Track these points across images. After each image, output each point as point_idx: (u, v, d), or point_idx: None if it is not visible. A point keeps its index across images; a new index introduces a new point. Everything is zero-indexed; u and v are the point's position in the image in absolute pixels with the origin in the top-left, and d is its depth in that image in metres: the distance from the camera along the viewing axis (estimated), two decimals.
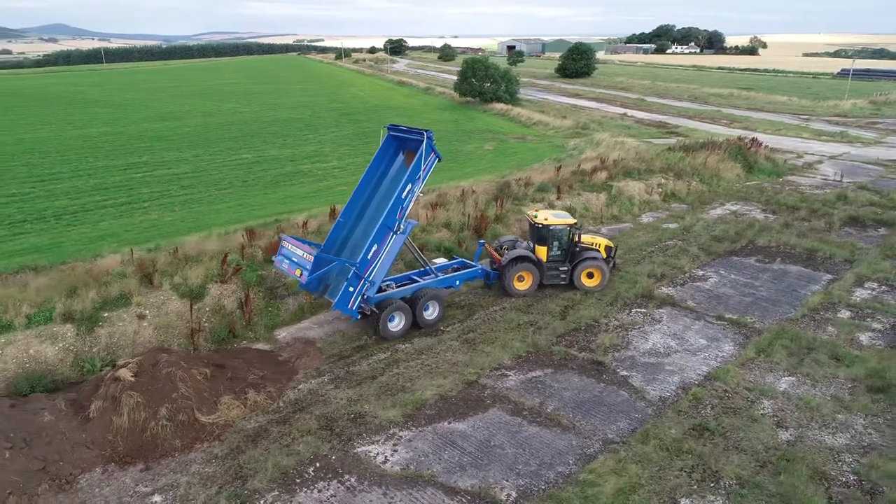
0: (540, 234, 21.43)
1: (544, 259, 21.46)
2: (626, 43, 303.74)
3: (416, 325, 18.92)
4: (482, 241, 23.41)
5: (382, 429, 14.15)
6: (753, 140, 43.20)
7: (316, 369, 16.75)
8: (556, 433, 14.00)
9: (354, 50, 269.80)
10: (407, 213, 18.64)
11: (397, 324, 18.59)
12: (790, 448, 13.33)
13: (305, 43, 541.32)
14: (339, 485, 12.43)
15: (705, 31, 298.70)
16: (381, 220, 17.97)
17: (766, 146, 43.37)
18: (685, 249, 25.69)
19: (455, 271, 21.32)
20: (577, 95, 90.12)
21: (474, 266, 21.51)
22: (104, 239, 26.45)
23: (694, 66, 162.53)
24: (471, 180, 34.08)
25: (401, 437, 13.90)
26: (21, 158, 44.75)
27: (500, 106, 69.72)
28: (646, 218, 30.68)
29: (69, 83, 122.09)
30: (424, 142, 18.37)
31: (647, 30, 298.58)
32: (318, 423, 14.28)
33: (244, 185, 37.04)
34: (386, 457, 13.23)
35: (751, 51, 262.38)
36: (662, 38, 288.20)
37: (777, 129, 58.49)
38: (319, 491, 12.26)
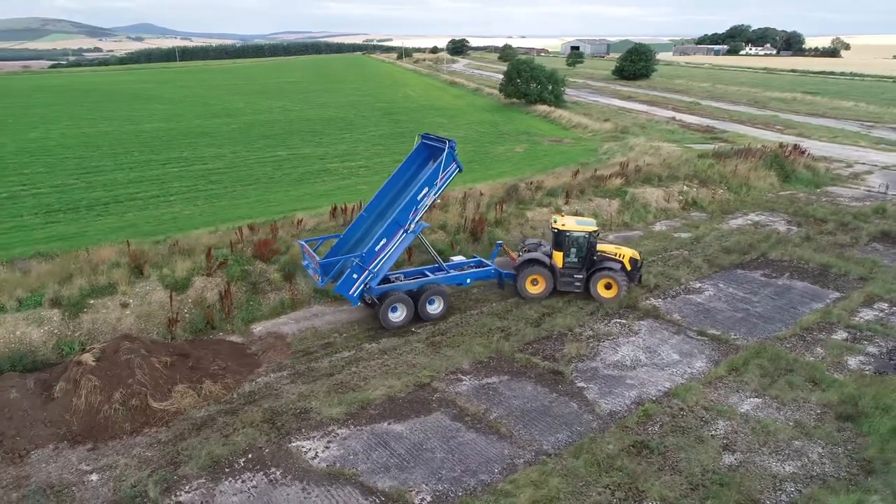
0: (557, 239, 21.17)
1: (560, 265, 21.14)
2: (696, 44, 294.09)
3: (419, 318, 19.57)
4: (500, 241, 23.44)
5: (322, 425, 14.43)
6: (795, 147, 41.06)
7: (279, 363, 17.23)
8: (491, 441, 13.91)
9: (416, 50, 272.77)
10: (421, 214, 19.36)
11: (398, 315, 19.22)
12: (728, 472, 12.77)
13: (374, 42, 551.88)
14: (263, 477, 12.80)
15: (783, 31, 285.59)
16: (393, 216, 18.86)
17: (809, 154, 41.14)
18: (688, 260, 24.82)
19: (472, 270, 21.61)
20: (629, 98, 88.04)
21: (488, 266, 21.60)
22: (124, 230, 27.90)
23: (765, 69, 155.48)
24: (487, 182, 33.97)
25: (338, 434, 14.15)
26: (76, 151, 47.70)
27: (543, 108, 68.97)
28: (659, 226, 29.77)
29: (141, 80, 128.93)
30: (445, 151, 19.20)
31: (722, 30, 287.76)
32: (262, 416, 14.71)
33: (270, 181, 38.21)
34: (317, 453, 13.51)
35: (831, 52, 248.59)
36: (736, 38, 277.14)
37: (833, 136, 55.34)
38: (243, 482, 12.67)
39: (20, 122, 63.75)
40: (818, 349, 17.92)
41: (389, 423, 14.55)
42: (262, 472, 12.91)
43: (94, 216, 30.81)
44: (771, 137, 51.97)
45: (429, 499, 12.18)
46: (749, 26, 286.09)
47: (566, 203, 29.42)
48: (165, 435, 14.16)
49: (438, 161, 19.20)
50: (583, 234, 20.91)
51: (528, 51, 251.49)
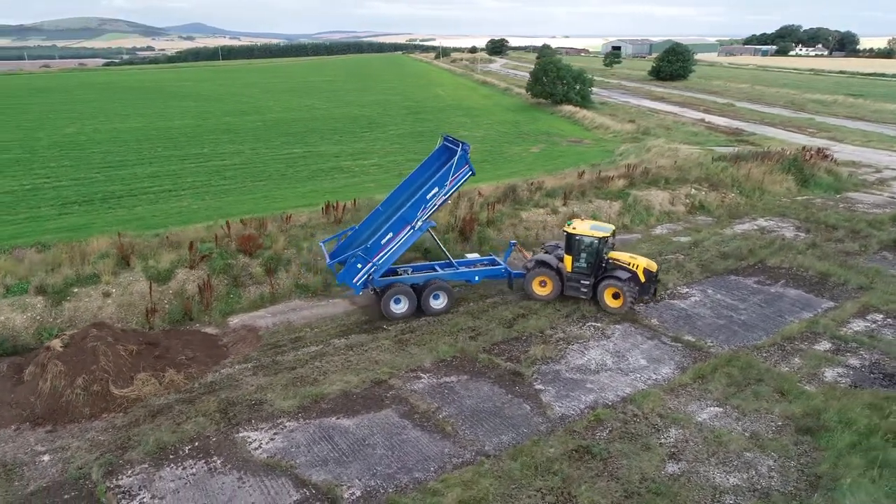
0: (568, 242, 20.82)
1: (568, 269, 20.76)
2: (743, 44, 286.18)
3: (421, 312, 19.94)
4: (513, 241, 23.39)
5: (272, 417, 14.67)
6: (818, 151, 39.61)
7: (245, 356, 17.56)
8: (434, 439, 13.90)
9: (455, 49, 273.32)
10: (430, 213, 19.75)
11: (401, 307, 19.75)
12: (668, 481, 12.46)
13: (417, 42, 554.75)
14: (204, 465, 13.08)
15: (836, 31, 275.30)
16: (401, 212, 19.41)
17: (833, 158, 39.63)
18: (681, 265, 24.24)
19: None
20: (661, 99, 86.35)
21: (499, 265, 21.67)
22: (131, 222, 28.83)
23: (811, 70, 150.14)
24: (492, 182, 33.81)
25: (285, 426, 14.35)
26: (104, 146, 49.44)
27: (568, 108, 68.23)
28: (659, 229, 29.13)
29: (183, 78, 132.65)
30: (458, 153, 19.63)
31: (773, 30, 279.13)
32: (217, 406, 15.02)
33: (281, 178, 38.88)
34: (261, 444, 13.74)
35: (887, 54, 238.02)
36: (786, 39, 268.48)
37: (867, 140, 53.17)
38: (184, 468, 12.98)
39: (60, 117, 66.44)
40: (795, 359, 17.29)
41: (338, 418, 14.68)
42: (203, 461, 13.20)
43: (106, 209, 31.89)
44: (801, 140, 50.25)
45: (358, 493, 12.26)
46: (800, 26, 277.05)
47: (564, 204, 29.08)
48: (121, 420, 14.60)
49: (450, 164, 19.57)
50: (593, 239, 20.32)
51: (568, 51, 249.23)
